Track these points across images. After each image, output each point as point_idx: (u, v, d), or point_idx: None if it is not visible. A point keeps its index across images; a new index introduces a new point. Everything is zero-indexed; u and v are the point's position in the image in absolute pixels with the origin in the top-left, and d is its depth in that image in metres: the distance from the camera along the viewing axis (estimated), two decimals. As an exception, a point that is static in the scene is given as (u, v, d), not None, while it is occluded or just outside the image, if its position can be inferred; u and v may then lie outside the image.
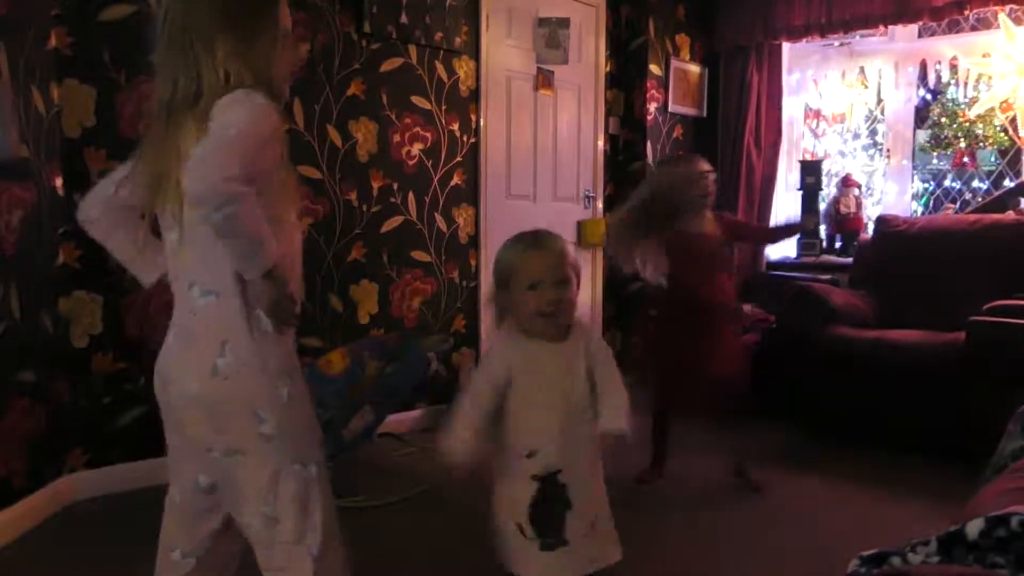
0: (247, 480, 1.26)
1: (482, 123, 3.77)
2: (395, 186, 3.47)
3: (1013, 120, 4.00)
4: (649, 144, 4.42)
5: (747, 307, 4.12)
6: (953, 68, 4.20)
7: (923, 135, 4.67)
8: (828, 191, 4.62)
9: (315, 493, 1.28)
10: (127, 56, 2.68)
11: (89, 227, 1.38)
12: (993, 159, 4.37)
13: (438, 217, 3.64)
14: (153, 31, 1.29)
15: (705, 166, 2.75)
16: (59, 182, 2.57)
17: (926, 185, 4.62)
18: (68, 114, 2.58)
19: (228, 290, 1.22)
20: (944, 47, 4.20)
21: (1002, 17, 3.80)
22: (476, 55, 3.73)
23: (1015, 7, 3.79)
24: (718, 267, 2.82)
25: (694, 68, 4.65)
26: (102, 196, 1.36)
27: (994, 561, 0.81)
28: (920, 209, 4.54)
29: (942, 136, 4.61)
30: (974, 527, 0.84)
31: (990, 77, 3.98)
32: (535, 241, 1.54)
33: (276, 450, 1.25)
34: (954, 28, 4.19)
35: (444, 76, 3.62)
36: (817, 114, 4.80)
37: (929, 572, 0.78)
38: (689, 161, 2.83)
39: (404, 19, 3.40)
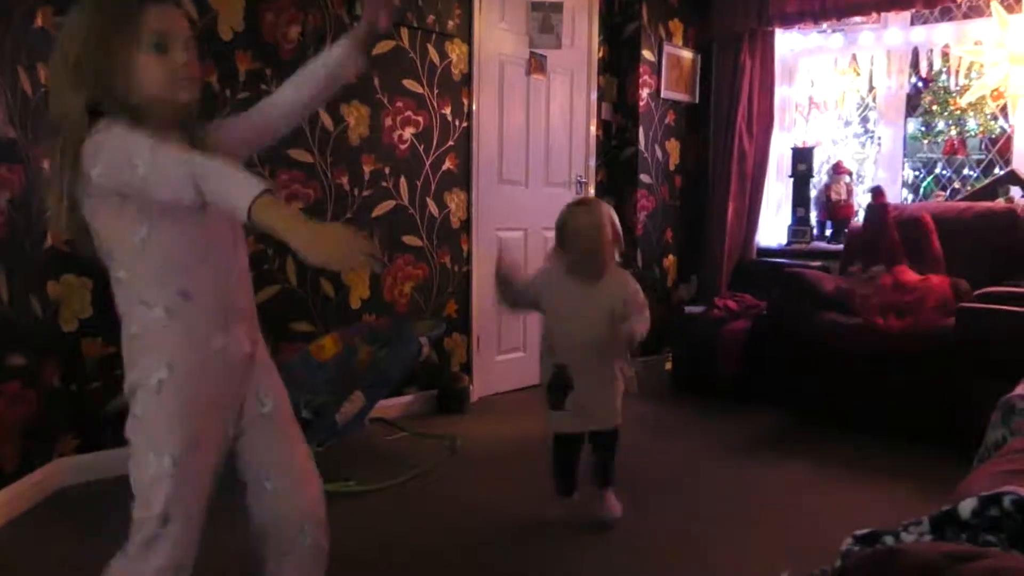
0: None
1: (474, 107, 3.75)
2: (387, 170, 3.45)
3: (1004, 108, 4.01)
4: (641, 130, 4.41)
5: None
6: (945, 56, 4.20)
7: (914, 123, 4.69)
8: (819, 178, 4.64)
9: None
10: (115, 37, 2.64)
11: None
12: (981, 147, 4.38)
13: (430, 202, 3.63)
14: None
15: None
16: (47, 164, 2.53)
17: (916, 173, 4.64)
18: (56, 95, 2.54)
19: None
20: (936, 35, 4.20)
21: (994, 5, 3.79)
22: (469, 39, 3.71)
23: (1007, -6, 3.79)
24: None
25: (687, 54, 4.63)
26: None
27: (986, 540, 0.81)
28: (910, 197, 4.56)
29: (933, 124, 4.63)
30: (967, 506, 0.85)
31: (981, 65, 3.99)
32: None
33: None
34: (946, 16, 4.19)
35: (436, 60, 3.59)
36: (809, 101, 4.81)
37: (920, 549, 0.78)
38: None
39: (396, 1, 3.37)
